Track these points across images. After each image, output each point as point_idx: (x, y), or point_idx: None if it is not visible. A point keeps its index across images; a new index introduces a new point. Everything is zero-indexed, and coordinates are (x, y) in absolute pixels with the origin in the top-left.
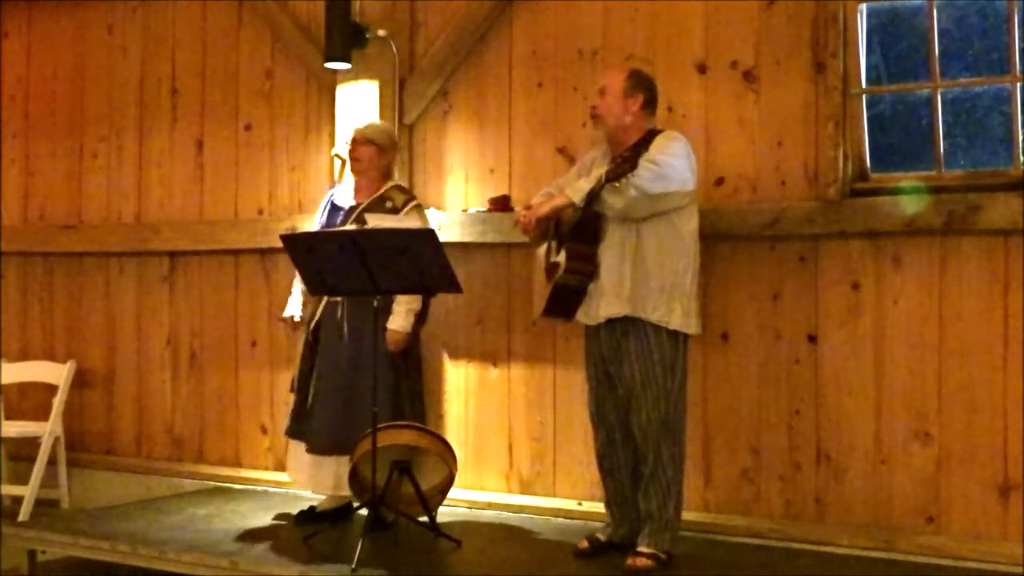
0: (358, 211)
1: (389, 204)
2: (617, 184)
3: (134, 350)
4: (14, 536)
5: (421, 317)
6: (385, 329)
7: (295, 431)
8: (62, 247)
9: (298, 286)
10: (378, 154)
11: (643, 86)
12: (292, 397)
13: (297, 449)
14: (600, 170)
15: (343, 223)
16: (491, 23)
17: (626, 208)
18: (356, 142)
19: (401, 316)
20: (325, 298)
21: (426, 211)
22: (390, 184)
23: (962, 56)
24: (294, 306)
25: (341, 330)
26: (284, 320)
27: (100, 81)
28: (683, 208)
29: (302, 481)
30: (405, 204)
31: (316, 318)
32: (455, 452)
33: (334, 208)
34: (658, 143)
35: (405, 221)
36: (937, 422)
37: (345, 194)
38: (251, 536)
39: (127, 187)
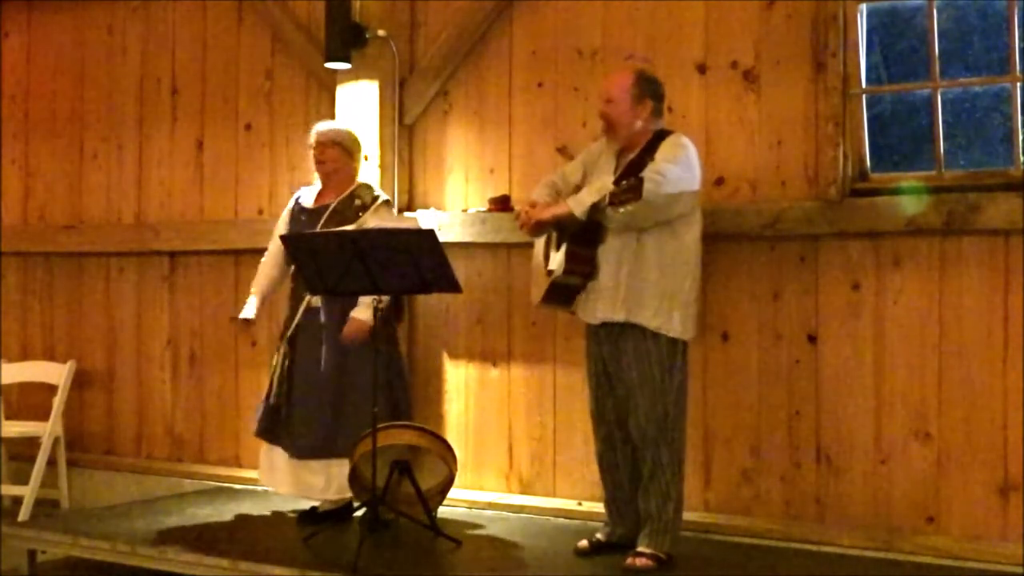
0: (329, 211)
1: (358, 202)
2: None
3: (134, 350)
4: (14, 536)
5: (398, 313)
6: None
7: (270, 435)
8: (62, 247)
9: (256, 290)
10: (344, 156)
11: (651, 91)
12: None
13: (272, 453)
14: (607, 176)
15: (315, 225)
16: (491, 23)
17: (629, 220)
18: (322, 144)
19: (364, 307)
20: (303, 306)
21: (421, 212)
22: (358, 183)
23: (962, 56)
24: (250, 309)
25: (323, 335)
26: (236, 320)
27: (100, 81)
28: (686, 215)
29: (283, 483)
30: (374, 200)
31: (293, 327)
32: (455, 452)
33: (302, 211)
34: (664, 150)
35: (372, 218)
36: (937, 422)
37: (311, 196)
38: (251, 536)
39: (127, 187)
